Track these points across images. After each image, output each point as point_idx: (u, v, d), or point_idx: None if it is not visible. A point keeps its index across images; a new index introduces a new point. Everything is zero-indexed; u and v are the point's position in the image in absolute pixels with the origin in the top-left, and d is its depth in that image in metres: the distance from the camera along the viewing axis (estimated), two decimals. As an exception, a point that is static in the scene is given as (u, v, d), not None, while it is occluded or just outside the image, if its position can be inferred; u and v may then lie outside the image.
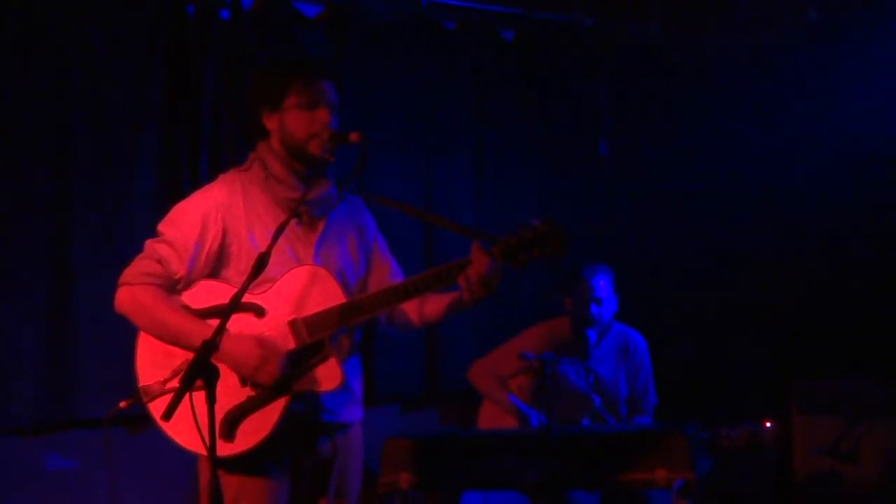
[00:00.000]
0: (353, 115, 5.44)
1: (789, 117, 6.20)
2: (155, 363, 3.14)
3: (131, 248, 3.23)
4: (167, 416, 2.64)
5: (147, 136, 4.79)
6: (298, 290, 3.16)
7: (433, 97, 6.09)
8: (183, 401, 2.67)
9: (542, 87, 6.50)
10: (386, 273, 3.46)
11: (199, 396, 2.72)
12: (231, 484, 3.11)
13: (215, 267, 3.19)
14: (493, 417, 5.13)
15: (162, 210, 3.28)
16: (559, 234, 3.08)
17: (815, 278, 6.06)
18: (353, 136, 3.15)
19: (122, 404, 3.14)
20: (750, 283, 6.33)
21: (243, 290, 2.89)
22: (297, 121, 3.18)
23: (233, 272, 3.18)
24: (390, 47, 5.86)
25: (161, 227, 3.20)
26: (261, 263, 2.90)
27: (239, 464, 3.11)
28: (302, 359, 3.13)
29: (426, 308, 3.37)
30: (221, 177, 3.30)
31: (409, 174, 5.98)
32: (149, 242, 3.18)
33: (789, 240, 6.18)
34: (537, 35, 6.31)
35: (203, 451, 2.82)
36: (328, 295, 3.16)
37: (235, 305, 2.87)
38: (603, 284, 5.08)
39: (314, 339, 3.12)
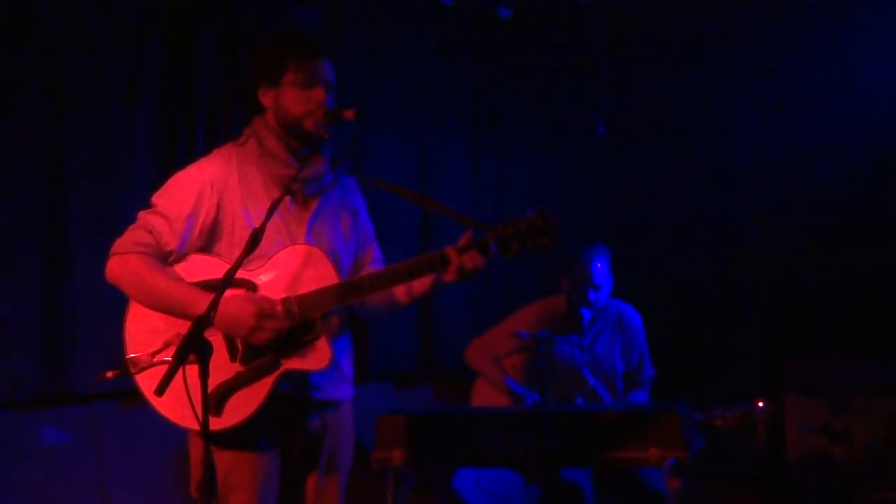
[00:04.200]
0: (350, 93, 5.44)
1: (787, 96, 6.20)
2: (145, 334, 3.13)
3: (127, 223, 3.20)
4: (160, 391, 2.63)
5: (143, 109, 4.76)
6: (292, 268, 3.16)
7: (430, 76, 6.08)
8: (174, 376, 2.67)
9: (540, 65, 6.49)
10: (368, 258, 3.48)
11: (190, 371, 2.72)
12: (222, 459, 3.10)
13: (208, 241, 3.18)
14: (486, 396, 5.14)
15: (157, 184, 3.25)
16: (553, 227, 3.13)
17: (808, 259, 6.08)
18: (348, 114, 3.14)
19: (110, 374, 3.12)
20: (744, 263, 6.35)
21: (237, 265, 2.88)
22: (293, 98, 3.17)
23: (225, 247, 3.17)
24: (387, 25, 5.84)
25: (155, 198, 3.19)
26: (255, 239, 2.89)
27: (229, 439, 3.11)
28: (292, 337, 3.12)
29: (410, 286, 3.38)
30: (217, 151, 3.29)
31: (406, 153, 5.97)
32: (142, 214, 3.17)
33: (784, 221, 6.20)
34: (535, 13, 6.28)
35: (194, 426, 2.82)
36: (321, 275, 3.16)
37: (229, 280, 2.87)
38: (600, 268, 5.07)
39: (305, 318, 3.12)
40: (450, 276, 3.18)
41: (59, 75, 4.52)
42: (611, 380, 5.13)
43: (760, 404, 5.20)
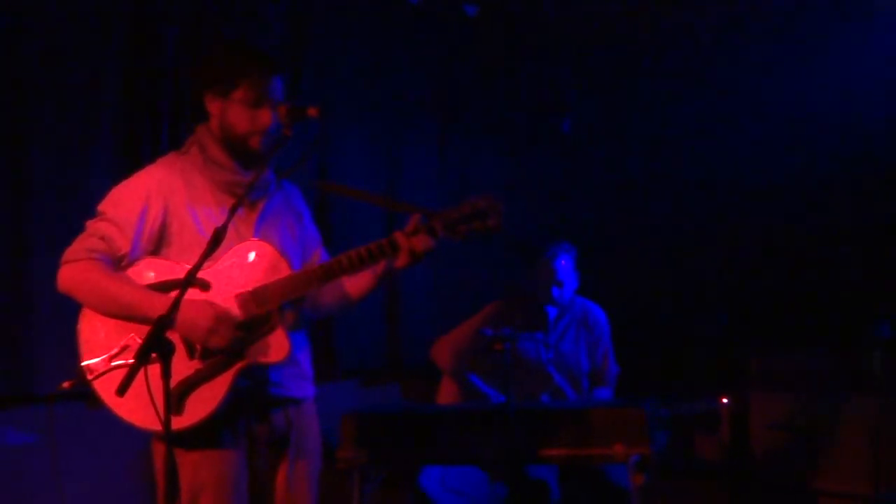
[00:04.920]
0: (316, 93, 5.43)
1: (753, 97, 6.24)
2: (99, 340, 3.12)
3: (88, 224, 3.20)
4: (122, 390, 2.62)
5: (106, 107, 4.72)
6: (244, 264, 3.17)
7: (397, 74, 6.07)
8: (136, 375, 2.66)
9: (506, 63, 6.49)
10: (315, 261, 3.46)
11: (150, 372, 2.70)
12: (188, 462, 3.11)
13: (157, 245, 3.17)
14: (452, 394, 5.15)
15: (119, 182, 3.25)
16: (497, 210, 3.15)
17: (773, 257, 6.13)
18: (312, 111, 3.14)
19: (66, 384, 3.11)
20: (709, 260, 6.38)
21: (199, 264, 2.87)
22: (239, 116, 3.17)
23: (175, 251, 3.17)
24: (354, 23, 5.82)
25: (101, 207, 3.18)
26: (217, 238, 2.89)
27: (193, 439, 3.11)
28: (249, 330, 3.13)
29: (360, 280, 3.39)
30: (160, 159, 3.29)
31: (373, 152, 5.97)
32: (90, 223, 3.15)
33: (748, 219, 6.24)
34: (501, 11, 6.29)
35: (155, 427, 2.82)
36: (274, 268, 3.17)
37: (192, 279, 2.86)
38: (564, 265, 5.09)
39: (262, 311, 3.13)
40: (401, 262, 3.19)
41: (20, 73, 4.47)
42: (576, 377, 5.14)
43: (725, 400, 5.24)
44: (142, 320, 2.98)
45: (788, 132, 6.06)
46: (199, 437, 3.12)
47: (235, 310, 3.13)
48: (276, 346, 3.14)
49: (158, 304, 2.90)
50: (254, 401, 3.22)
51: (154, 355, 2.69)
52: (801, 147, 6.00)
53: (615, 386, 5.25)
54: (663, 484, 4.91)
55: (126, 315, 3.06)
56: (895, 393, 4.96)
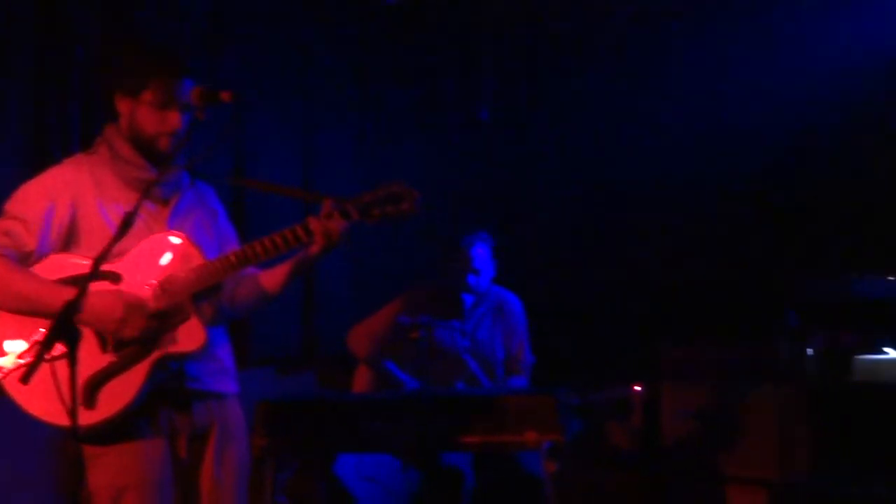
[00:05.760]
0: (232, 81, 5.37)
1: (675, 85, 6.31)
2: (8, 338, 3.08)
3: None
4: (25, 378, 2.58)
5: (14, 106, 4.61)
6: (155, 255, 3.15)
7: (315, 62, 6.02)
8: (41, 371, 2.61)
9: (425, 50, 6.48)
10: None
11: (59, 366, 2.66)
12: (108, 462, 3.08)
13: (66, 243, 3.13)
14: (368, 382, 5.14)
15: (29, 176, 3.20)
16: (411, 195, 3.14)
17: (686, 246, 6.21)
18: (225, 96, 3.11)
19: None
20: (623, 250, 6.44)
21: (107, 250, 2.83)
22: (147, 117, 3.14)
23: (84, 249, 3.12)
24: (271, 10, 5.77)
25: (6, 206, 3.13)
26: (126, 223, 2.86)
27: (111, 435, 3.07)
28: (163, 320, 3.09)
29: (276, 273, 3.36)
30: (66, 160, 3.25)
31: (290, 140, 5.92)
32: None
33: (664, 207, 6.31)
34: (419, -1, 6.29)
35: (64, 422, 2.77)
36: (187, 259, 3.15)
37: (97, 267, 2.81)
38: (481, 253, 5.11)
39: (175, 300, 3.10)
40: (316, 247, 3.15)
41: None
42: (491, 366, 5.16)
43: (637, 389, 5.31)
44: (49, 315, 2.90)
45: (704, 123, 6.13)
46: (117, 433, 3.08)
47: (148, 300, 3.09)
48: (191, 335, 3.11)
49: (65, 296, 2.83)
50: (174, 396, 3.18)
51: (59, 347, 2.65)
52: (729, 134, 6.08)
53: (530, 375, 5.28)
54: (576, 471, 4.97)
55: (32, 310, 3.01)
56: (801, 381, 5.05)
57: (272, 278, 3.37)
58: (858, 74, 5.82)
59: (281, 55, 5.85)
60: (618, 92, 6.45)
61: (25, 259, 3.08)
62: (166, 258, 3.14)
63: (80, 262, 3.07)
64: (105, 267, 3.03)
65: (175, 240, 3.17)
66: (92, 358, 3.02)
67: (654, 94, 6.34)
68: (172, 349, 3.09)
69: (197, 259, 3.15)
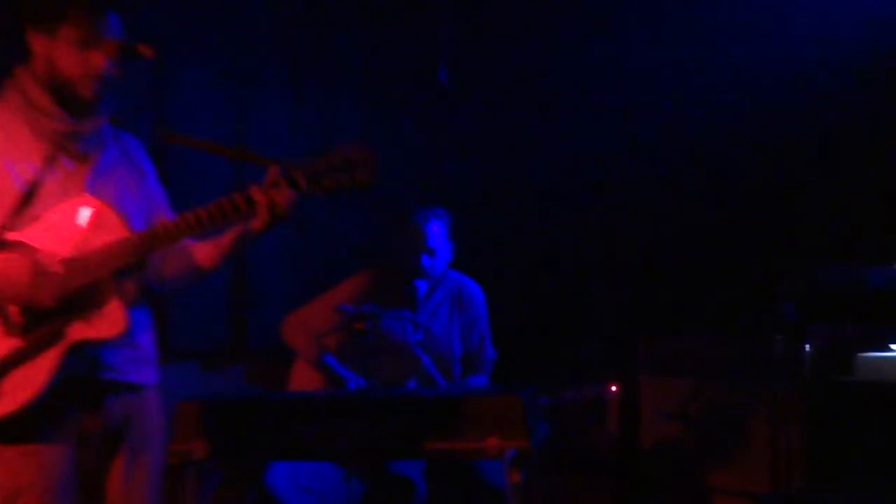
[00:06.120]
0: (160, 39, 5.33)
1: (643, 53, 6.33)
2: None
3: None
4: None
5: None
6: (71, 224, 3.11)
7: (247, 15, 6.01)
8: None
9: (375, 9, 6.46)
10: None
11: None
12: (5, 459, 3.06)
13: None
14: (306, 379, 5.13)
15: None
16: (370, 161, 3.12)
17: (667, 232, 6.24)
18: (144, 50, 3.09)
19: None
20: (597, 234, 6.47)
21: (14, 215, 2.81)
22: (68, 58, 3.10)
23: None
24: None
25: None
26: (29, 193, 2.84)
27: (10, 431, 3.05)
28: (80, 301, 3.06)
29: (213, 246, 3.35)
30: None
31: (219, 101, 5.92)
32: None
33: (641, 185, 6.34)
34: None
35: None
36: (108, 229, 3.11)
37: (2, 235, 2.79)
38: (437, 231, 5.11)
39: (93, 278, 3.07)
40: (259, 221, 3.13)
41: None
42: (447, 362, 5.17)
43: (613, 388, 5.33)
44: None
45: (692, 91, 6.17)
46: (18, 429, 3.05)
47: (62, 276, 3.05)
48: (110, 319, 3.08)
49: None
50: (85, 387, 3.16)
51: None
52: (706, 107, 6.12)
53: (491, 372, 5.29)
54: (544, 481, 4.99)
55: None
56: (798, 380, 5.10)
57: (207, 252, 3.36)
58: (873, 48, 5.87)
59: (209, 7, 5.82)
60: (597, 54, 6.46)
61: None
62: (85, 229, 3.10)
63: None
64: (12, 236, 3.02)
65: (96, 207, 3.13)
66: None
67: (637, 57, 6.37)
68: (89, 335, 3.06)
69: (120, 230, 3.12)
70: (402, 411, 4.22)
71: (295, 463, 4.73)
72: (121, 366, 3.23)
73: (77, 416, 3.18)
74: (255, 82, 6.05)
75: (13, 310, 3.03)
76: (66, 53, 3.10)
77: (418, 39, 6.51)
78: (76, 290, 3.05)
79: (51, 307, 3.01)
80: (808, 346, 5.14)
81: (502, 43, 6.69)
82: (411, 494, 4.81)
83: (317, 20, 6.34)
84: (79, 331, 3.06)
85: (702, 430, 5.24)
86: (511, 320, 5.63)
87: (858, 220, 5.86)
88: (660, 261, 6.21)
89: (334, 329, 5.06)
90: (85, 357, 3.12)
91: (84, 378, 3.15)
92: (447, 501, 4.86)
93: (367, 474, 4.59)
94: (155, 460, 3.37)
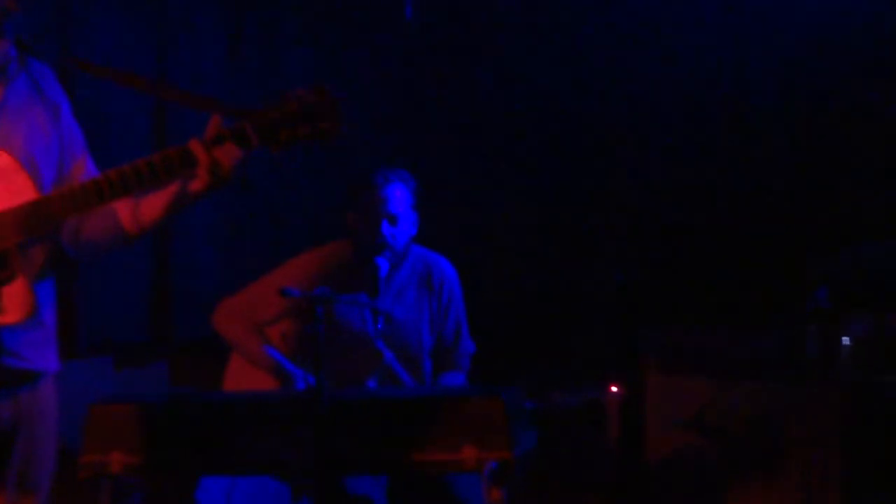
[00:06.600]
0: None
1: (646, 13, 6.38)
2: None
3: None
4: None
5: None
6: None
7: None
8: None
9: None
10: (79, 174, 3.36)
11: None
12: None
13: None
14: (244, 377, 5.13)
15: None
16: (333, 107, 3.09)
17: (678, 202, 6.25)
18: None
19: None
20: (594, 202, 6.47)
21: None
22: None
23: None
24: None
25: None
26: None
27: None
28: None
29: (142, 207, 3.30)
30: None
31: (138, 33, 5.90)
32: None
33: (646, 146, 6.36)
34: None
35: None
36: (13, 188, 3.09)
37: None
38: (400, 196, 5.10)
39: None
40: (199, 184, 3.10)
41: None
42: (414, 356, 5.17)
43: (614, 389, 5.35)
44: None
45: (714, 34, 6.20)
46: None
47: None
48: (15, 300, 3.07)
49: None
50: None
51: None
52: (729, 61, 6.16)
53: (468, 370, 5.29)
54: (529, 500, 4.99)
55: None
56: (833, 379, 5.12)
57: (135, 213, 3.31)
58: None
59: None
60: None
61: None
62: None
63: None
64: None
65: (2, 163, 3.11)
66: None
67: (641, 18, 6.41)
68: None
69: (28, 189, 3.10)
70: (360, 416, 4.24)
71: (231, 479, 4.72)
72: (24, 351, 3.20)
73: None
74: (181, 16, 6.03)
75: None
76: None
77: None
78: None
79: None
80: (845, 339, 5.16)
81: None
82: (371, 516, 4.82)
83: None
84: None
85: (720, 441, 5.24)
86: (490, 306, 5.61)
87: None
88: (669, 235, 6.21)
89: (278, 317, 5.05)
90: None
91: None
92: (414, 524, 4.87)
93: (318, 492, 4.58)
94: (45, 472, 3.34)
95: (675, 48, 6.30)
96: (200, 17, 6.14)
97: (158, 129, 5.91)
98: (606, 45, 6.47)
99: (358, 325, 5.10)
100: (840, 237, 5.74)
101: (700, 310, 5.81)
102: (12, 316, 3.07)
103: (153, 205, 3.27)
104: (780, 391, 5.18)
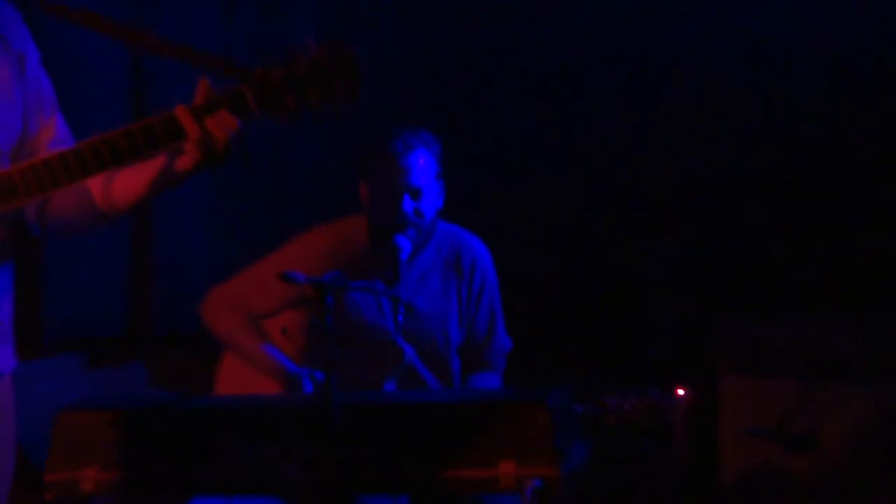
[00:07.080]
0: None
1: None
2: None
3: None
4: None
5: None
6: None
7: None
8: None
9: None
10: (48, 137, 3.38)
11: None
12: None
13: None
14: (239, 378, 5.16)
15: None
16: (350, 65, 3.03)
17: (749, 171, 6.26)
18: None
19: None
20: (655, 175, 6.47)
21: None
22: None
23: None
24: None
25: None
26: None
27: None
28: None
29: (116, 183, 3.29)
30: None
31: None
32: None
33: (726, 111, 6.37)
34: None
35: None
36: None
37: None
38: (423, 164, 5.10)
39: None
40: (187, 160, 3.09)
41: None
42: (440, 354, 5.20)
43: (680, 392, 5.35)
44: None
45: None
46: None
47: None
48: None
49: None
50: None
51: None
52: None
53: (504, 369, 5.30)
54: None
55: None
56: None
57: (112, 190, 3.30)
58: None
59: None
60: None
61: None
62: None
63: None
64: None
65: None
66: None
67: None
68: None
69: None
70: (376, 426, 4.24)
71: (225, 499, 4.73)
72: None
73: None
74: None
75: None
76: None
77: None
78: None
79: None
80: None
81: None
82: (390, 544, 4.83)
83: None
84: None
85: (809, 452, 5.24)
86: (531, 296, 5.62)
87: None
88: (747, 210, 6.21)
89: (280, 307, 5.07)
90: None
91: None
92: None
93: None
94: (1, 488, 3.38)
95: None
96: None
97: (138, 85, 5.94)
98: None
99: (374, 316, 5.12)
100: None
101: (784, 298, 5.81)
102: None
103: (129, 182, 3.24)
104: (883, 395, 5.17)
